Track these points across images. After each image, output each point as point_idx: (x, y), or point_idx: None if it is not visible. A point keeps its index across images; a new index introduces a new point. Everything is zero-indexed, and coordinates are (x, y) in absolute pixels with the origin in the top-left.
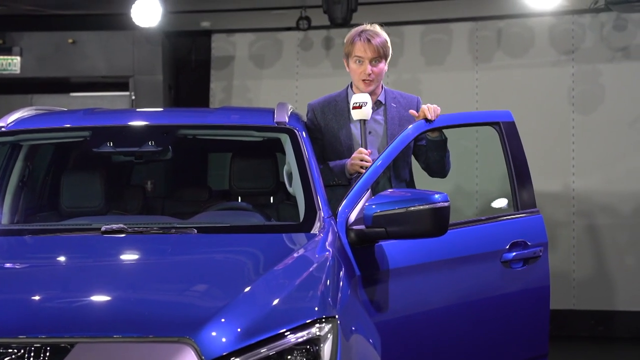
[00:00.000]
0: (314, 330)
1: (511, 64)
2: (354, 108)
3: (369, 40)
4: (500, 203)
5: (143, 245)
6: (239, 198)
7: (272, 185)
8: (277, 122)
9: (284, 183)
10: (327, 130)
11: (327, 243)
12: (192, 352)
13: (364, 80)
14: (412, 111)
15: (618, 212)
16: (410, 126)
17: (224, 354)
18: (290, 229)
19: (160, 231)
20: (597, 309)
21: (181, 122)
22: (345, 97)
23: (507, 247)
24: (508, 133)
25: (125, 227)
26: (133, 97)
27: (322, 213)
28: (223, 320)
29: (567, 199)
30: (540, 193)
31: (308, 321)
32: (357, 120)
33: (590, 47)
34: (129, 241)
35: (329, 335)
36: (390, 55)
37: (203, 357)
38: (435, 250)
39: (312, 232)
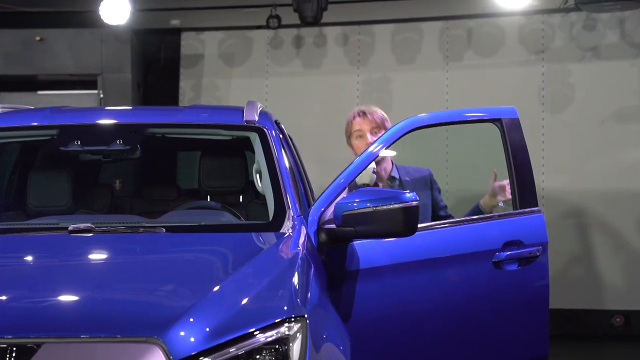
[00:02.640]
0: (283, 329)
1: (481, 64)
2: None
3: (364, 113)
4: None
5: (111, 244)
6: (208, 197)
7: (241, 184)
8: (247, 121)
9: (253, 182)
10: None
11: (296, 242)
12: (160, 352)
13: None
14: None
15: (587, 212)
16: (402, 122)
17: (193, 353)
18: (260, 228)
19: (128, 230)
20: (566, 307)
21: (149, 120)
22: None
23: (500, 246)
24: (510, 130)
25: (92, 226)
26: (101, 96)
27: (291, 212)
28: (191, 319)
29: (537, 197)
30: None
31: (277, 320)
32: (361, 184)
33: (560, 47)
34: (97, 240)
35: (298, 334)
36: (389, 127)
37: (171, 357)
38: (417, 250)
39: (281, 231)
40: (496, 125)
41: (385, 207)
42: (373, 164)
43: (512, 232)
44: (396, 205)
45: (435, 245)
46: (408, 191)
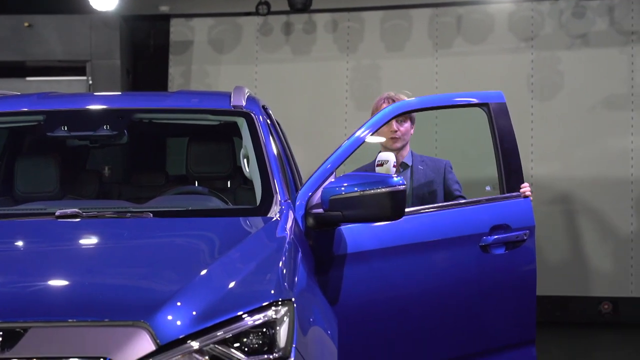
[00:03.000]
0: (270, 313)
1: (471, 51)
2: (377, 165)
3: (392, 100)
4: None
5: (98, 229)
6: (196, 182)
7: (229, 170)
8: (234, 106)
9: (241, 167)
10: None
11: (283, 227)
12: (148, 336)
13: (391, 137)
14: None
15: (576, 199)
16: (389, 106)
17: (180, 337)
18: (247, 213)
19: (116, 215)
20: (554, 294)
21: (136, 105)
22: (373, 165)
23: (488, 230)
24: (497, 114)
25: (80, 211)
26: (90, 82)
27: (279, 197)
28: (179, 303)
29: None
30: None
31: (264, 304)
32: None
33: (549, 34)
34: (84, 225)
35: (285, 318)
36: (415, 118)
37: (158, 341)
38: (404, 234)
39: (269, 215)
40: (483, 110)
41: (372, 191)
42: (393, 159)
43: (499, 216)
44: (383, 190)
45: (423, 230)
46: (396, 175)
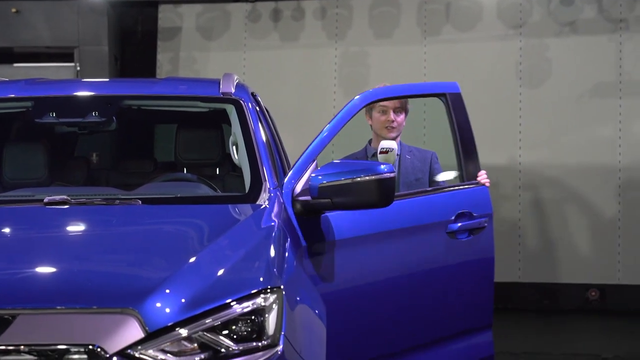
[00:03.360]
0: (259, 300)
1: (459, 38)
2: (380, 153)
3: None
4: (447, 176)
5: (87, 216)
6: (185, 169)
7: (218, 157)
8: (223, 93)
9: (230, 154)
10: None
11: (272, 214)
12: (136, 323)
13: (387, 127)
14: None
15: (564, 186)
16: (358, 96)
17: (169, 324)
18: (236, 200)
19: (104, 202)
20: (542, 281)
21: (125, 92)
22: (364, 153)
23: (453, 218)
24: (454, 104)
25: (68, 198)
26: (78, 68)
27: (267, 184)
28: (167, 291)
29: (514, 172)
30: (487, 166)
31: (253, 291)
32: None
33: (538, 22)
34: (73, 212)
35: (274, 305)
36: (408, 111)
37: (147, 328)
38: (381, 221)
39: (257, 203)
40: (441, 100)
41: (361, 178)
42: (396, 147)
43: (463, 204)
44: (372, 177)
45: (398, 217)
46: (383, 163)
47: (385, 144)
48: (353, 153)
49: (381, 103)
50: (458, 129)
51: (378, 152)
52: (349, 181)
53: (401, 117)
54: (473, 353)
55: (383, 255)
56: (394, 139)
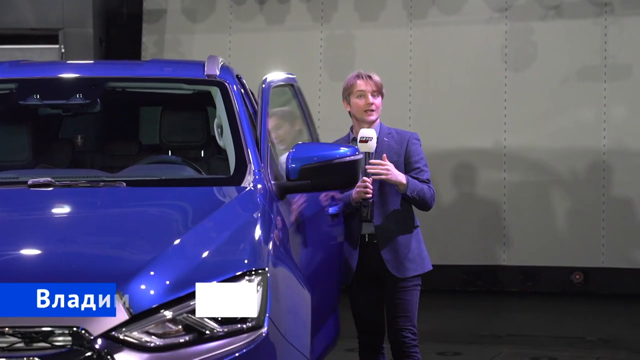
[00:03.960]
0: (244, 282)
1: (445, 21)
2: (360, 141)
3: (369, 77)
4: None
5: (71, 198)
6: (170, 152)
7: (202, 139)
8: (208, 75)
9: (214, 137)
10: None
11: (257, 196)
12: (121, 305)
13: (366, 110)
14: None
15: (549, 169)
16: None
17: (153, 306)
18: (221, 183)
19: (88, 184)
20: (526, 264)
21: (109, 74)
22: (347, 139)
23: (331, 202)
24: (300, 93)
25: (52, 180)
26: (63, 51)
27: (252, 166)
28: (152, 273)
29: (499, 155)
30: (473, 149)
31: (238, 273)
32: (363, 152)
33: (523, 5)
34: (57, 194)
35: (258, 287)
36: (384, 94)
37: (132, 310)
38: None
39: (242, 185)
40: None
41: (340, 160)
42: (375, 136)
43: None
44: (347, 159)
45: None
46: (347, 146)
47: (364, 132)
48: (337, 139)
49: (358, 88)
50: (304, 113)
51: (358, 140)
52: (327, 163)
53: (379, 100)
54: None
55: (315, 237)
56: (374, 121)
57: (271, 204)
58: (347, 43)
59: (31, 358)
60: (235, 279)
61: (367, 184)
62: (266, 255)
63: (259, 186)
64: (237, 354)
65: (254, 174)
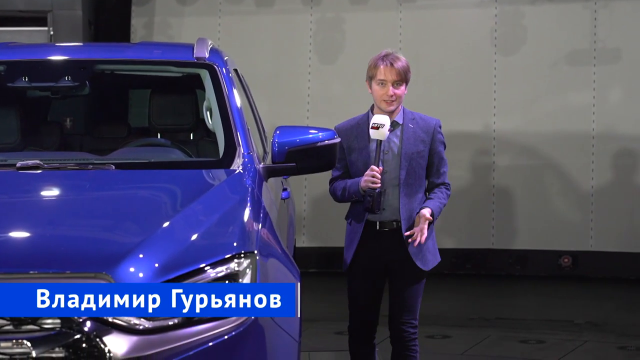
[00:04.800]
0: (233, 265)
1: (435, 4)
2: (372, 128)
3: (392, 64)
4: None
5: (60, 181)
6: (159, 135)
7: (191, 122)
8: (197, 58)
9: (204, 119)
10: (350, 151)
11: (246, 179)
12: None
13: (385, 100)
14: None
15: (538, 153)
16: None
17: None
18: (210, 165)
19: (77, 167)
20: (515, 248)
21: (98, 57)
22: (366, 119)
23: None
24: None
25: (41, 163)
26: (51, 33)
27: (241, 149)
28: (141, 255)
29: (488, 139)
30: (462, 133)
31: (227, 256)
32: (374, 139)
33: None
34: (45, 177)
35: (247, 270)
36: (410, 79)
37: None
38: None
39: (231, 168)
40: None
41: (323, 143)
42: (389, 123)
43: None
44: (329, 142)
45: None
46: (326, 129)
47: (377, 119)
48: (355, 117)
49: (379, 76)
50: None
51: (370, 126)
52: (313, 146)
53: (401, 89)
54: None
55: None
56: (392, 112)
57: (260, 187)
58: (337, 26)
59: (20, 341)
60: (224, 261)
61: (375, 173)
62: (255, 238)
63: (248, 169)
64: (226, 337)
65: (243, 157)
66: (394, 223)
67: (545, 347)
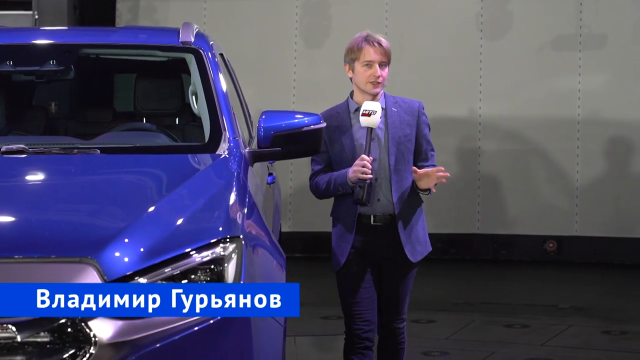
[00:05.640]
0: (218, 250)
1: None
2: (363, 115)
3: (379, 44)
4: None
5: (45, 165)
6: (144, 119)
7: (177, 107)
8: (182, 42)
9: (189, 104)
10: (332, 142)
11: (232, 163)
12: (95, 272)
13: (372, 82)
14: (415, 169)
15: (523, 138)
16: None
17: (128, 273)
18: (195, 150)
19: (62, 152)
20: (500, 233)
21: (83, 41)
22: (346, 107)
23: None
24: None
25: (25, 147)
26: (36, 17)
27: (227, 134)
28: (126, 240)
29: (474, 124)
30: (447, 118)
31: (212, 241)
32: (364, 127)
33: None
34: (30, 162)
35: (233, 255)
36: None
37: (106, 277)
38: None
39: (217, 152)
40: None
41: (309, 128)
42: (380, 110)
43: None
44: (314, 127)
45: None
46: (312, 114)
47: (368, 105)
48: (333, 107)
49: (366, 58)
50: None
51: (360, 113)
52: (298, 131)
53: (386, 71)
54: None
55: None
56: (377, 94)
57: (246, 172)
58: (322, 10)
59: (5, 325)
60: (209, 246)
61: (366, 162)
62: (240, 222)
63: (234, 153)
64: (211, 321)
65: (228, 142)
66: (389, 216)
67: (530, 332)
